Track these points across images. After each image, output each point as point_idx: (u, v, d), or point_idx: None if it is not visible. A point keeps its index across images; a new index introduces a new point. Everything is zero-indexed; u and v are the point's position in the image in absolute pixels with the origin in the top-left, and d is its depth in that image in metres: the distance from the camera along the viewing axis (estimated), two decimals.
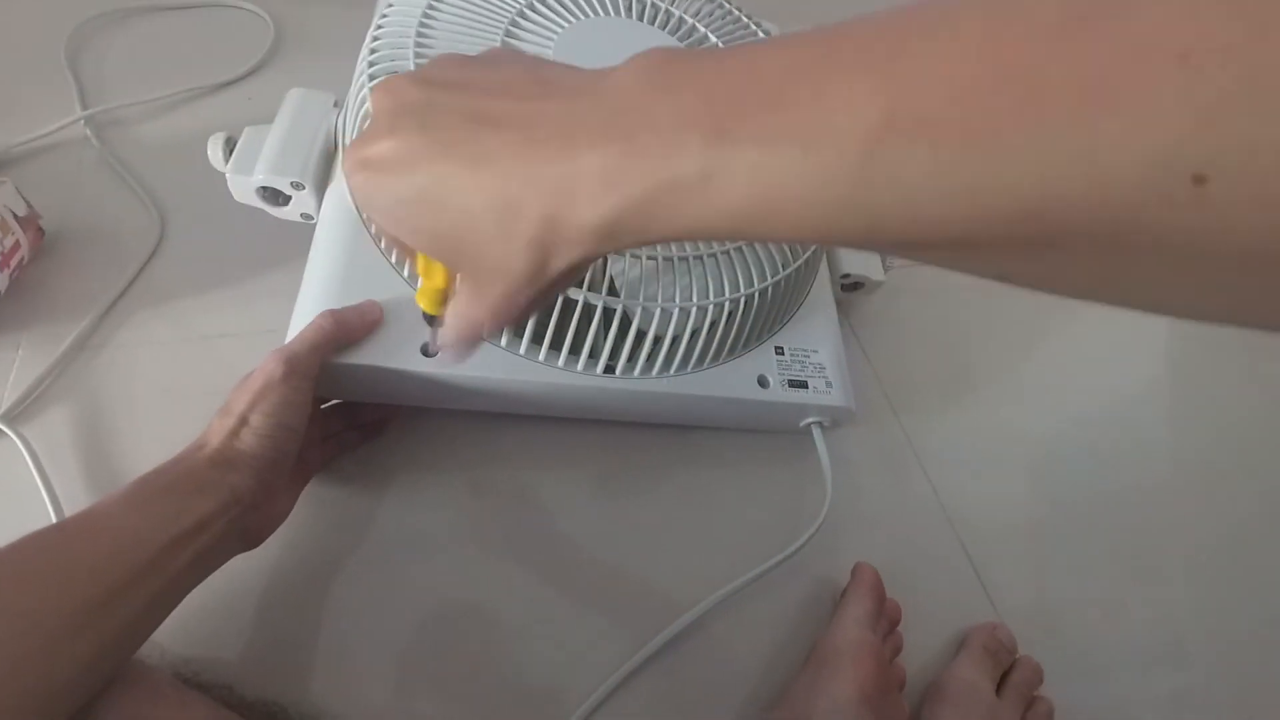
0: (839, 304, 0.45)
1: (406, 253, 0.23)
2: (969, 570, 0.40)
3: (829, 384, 0.39)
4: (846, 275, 0.46)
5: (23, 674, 0.20)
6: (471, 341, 0.22)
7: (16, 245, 0.39)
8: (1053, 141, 0.12)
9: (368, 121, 0.20)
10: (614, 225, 0.17)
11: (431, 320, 0.26)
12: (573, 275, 0.20)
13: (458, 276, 0.23)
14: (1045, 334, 0.53)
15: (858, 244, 0.16)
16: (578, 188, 0.17)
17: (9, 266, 0.39)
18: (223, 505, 0.26)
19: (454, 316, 0.22)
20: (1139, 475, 0.46)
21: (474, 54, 0.20)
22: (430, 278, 0.23)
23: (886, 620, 0.36)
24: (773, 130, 0.15)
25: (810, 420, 0.40)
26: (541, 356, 0.34)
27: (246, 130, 0.38)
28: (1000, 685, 0.35)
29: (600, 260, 0.33)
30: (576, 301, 0.32)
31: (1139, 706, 0.37)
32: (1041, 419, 0.48)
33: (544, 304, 0.21)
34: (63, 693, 0.22)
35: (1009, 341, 0.52)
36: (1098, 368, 0.51)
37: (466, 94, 0.18)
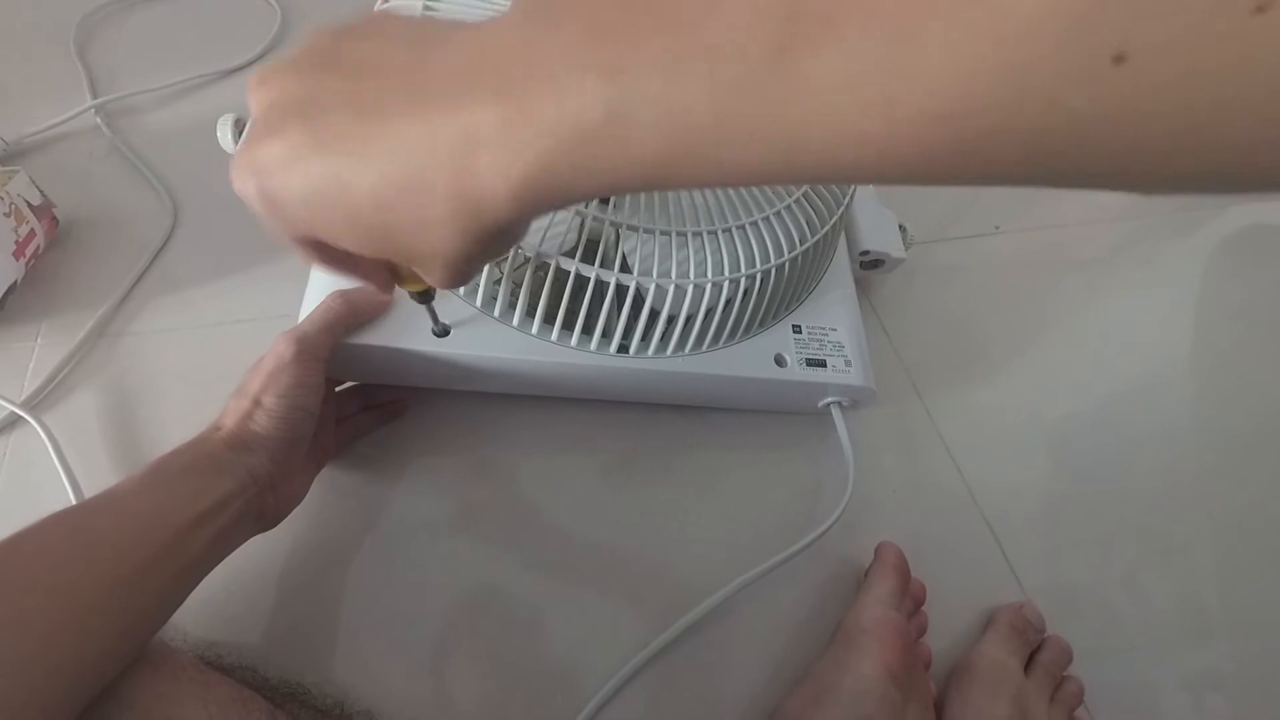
0: (858, 282, 0.44)
1: (348, 264, 0.22)
2: (995, 549, 0.39)
3: (848, 363, 0.38)
4: (865, 252, 0.45)
5: (54, 649, 0.21)
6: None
7: (32, 234, 0.39)
8: (968, 29, 0.11)
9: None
10: (526, 191, 0.15)
11: (421, 298, 0.25)
12: (512, 235, 0.18)
13: None
14: (1068, 311, 0.51)
15: (782, 177, 0.15)
16: (478, 156, 0.15)
17: (25, 255, 0.39)
18: (240, 485, 0.26)
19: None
20: (1165, 453, 0.45)
21: (352, 24, 0.18)
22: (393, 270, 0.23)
23: (911, 599, 0.35)
24: (672, 55, 0.13)
25: (830, 400, 0.39)
26: (554, 336, 0.33)
27: None
28: (1028, 664, 0.34)
29: (613, 236, 0.32)
30: (588, 280, 0.31)
31: (1167, 685, 0.36)
32: (1065, 397, 0.47)
33: (490, 261, 0.20)
34: (91, 668, 0.22)
35: (1031, 319, 0.50)
36: (1122, 345, 0.50)
37: (344, 76, 0.17)
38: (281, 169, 0.17)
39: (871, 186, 0.47)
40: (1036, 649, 0.35)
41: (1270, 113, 0.10)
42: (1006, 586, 0.38)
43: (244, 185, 0.18)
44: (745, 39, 0.12)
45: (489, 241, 0.17)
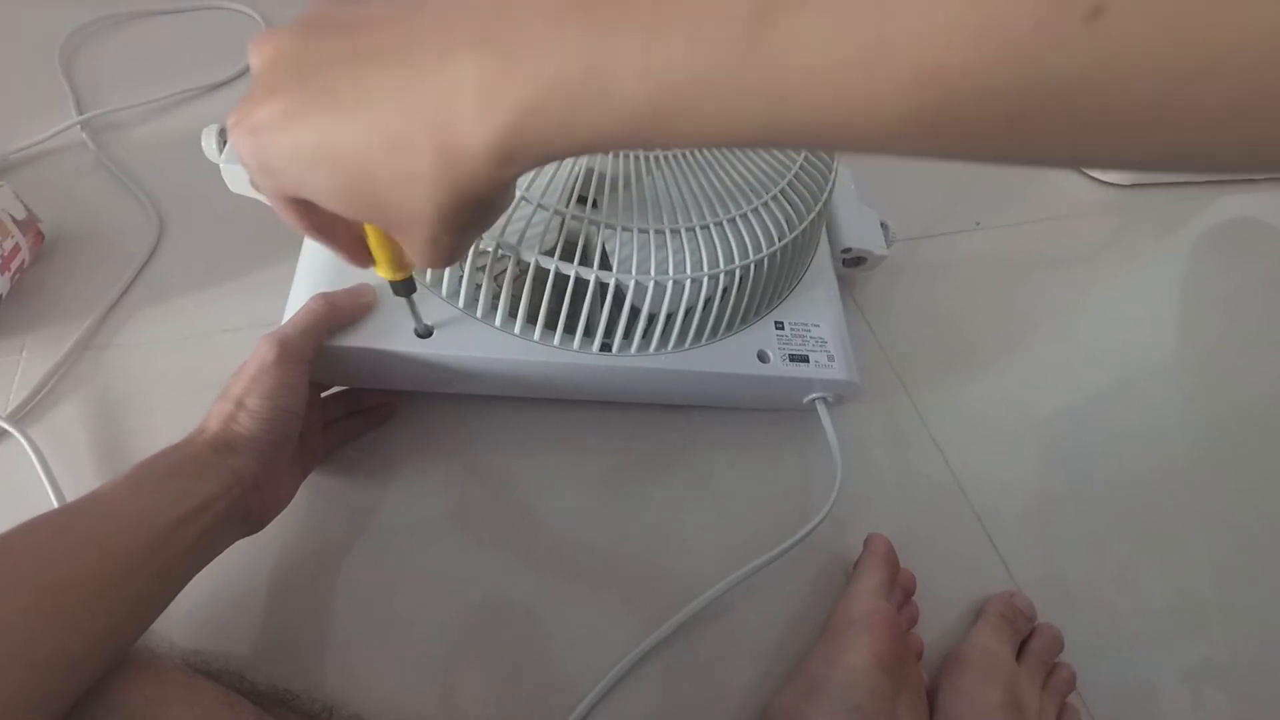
0: (842, 280, 0.45)
1: (327, 229, 0.22)
2: (985, 541, 0.40)
3: (831, 358, 0.39)
4: (848, 250, 0.46)
5: (41, 646, 0.21)
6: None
7: (16, 249, 0.39)
8: None
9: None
10: (507, 143, 0.15)
11: (401, 288, 0.25)
12: (492, 204, 0.18)
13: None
14: (1054, 306, 0.52)
15: (765, 138, 0.15)
16: (459, 108, 0.15)
17: (9, 270, 0.39)
18: (224, 487, 0.26)
19: (382, 269, 0.21)
20: (1154, 446, 0.45)
21: None
22: (376, 245, 0.23)
23: (901, 590, 0.35)
24: (653, 14, 0.13)
25: (814, 396, 0.39)
26: (537, 336, 0.34)
27: None
28: (1020, 653, 0.34)
29: (594, 234, 0.32)
30: (569, 277, 0.32)
31: (1160, 678, 0.36)
32: (1053, 391, 0.47)
33: (475, 236, 0.20)
34: (78, 667, 0.22)
35: (1017, 314, 0.51)
36: (1109, 339, 0.51)
37: (342, 31, 0.17)
38: (273, 126, 0.17)
39: (853, 185, 0.48)
40: (1028, 638, 0.35)
41: (1248, 78, 0.10)
42: (997, 578, 0.38)
43: (240, 143, 0.18)
44: (681, 17, 0.13)
45: (470, 204, 0.17)
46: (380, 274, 0.25)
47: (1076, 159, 0.13)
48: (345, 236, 0.22)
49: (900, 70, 0.12)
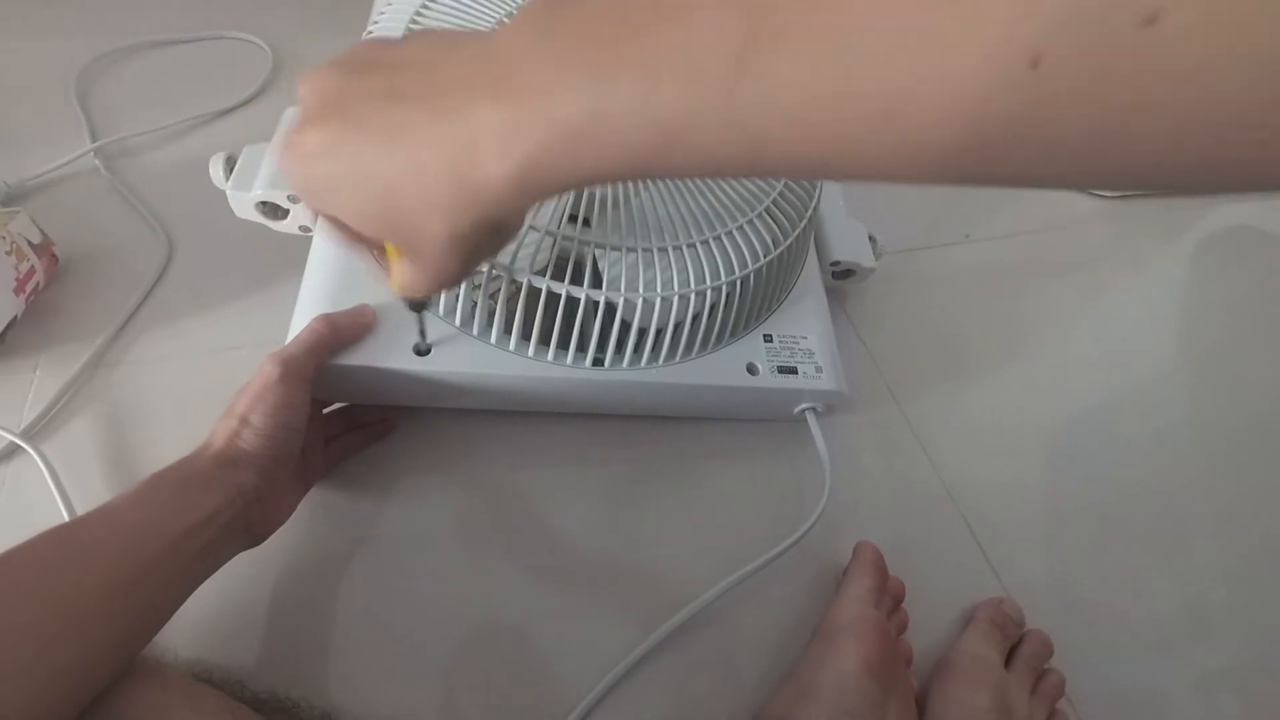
0: (831, 293, 0.46)
1: (361, 241, 0.24)
2: (974, 548, 0.40)
3: (819, 369, 0.39)
4: (836, 263, 0.47)
5: (52, 655, 0.22)
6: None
7: (32, 271, 0.41)
8: (900, 37, 0.12)
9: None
10: (521, 178, 0.17)
11: (414, 306, 0.26)
12: (500, 233, 0.20)
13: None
14: (1047, 316, 0.52)
15: (755, 169, 0.16)
16: (480, 146, 0.17)
17: (25, 291, 0.41)
18: (228, 500, 0.27)
19: (396, 285, 0.23)
20: (1155, 455, 0.45)
21: (388, 36, 0.21)
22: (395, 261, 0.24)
23: (890, 597, 0.36)
24: (649, 61, 0.15)
25: (804, 406, 0.40)
26: (531, 352, 0.35)
27: (246, 149, 0.39)
28: (1009, 659, 0.35)
29: (587, 253, 0.33)
30: (560, 295, 0.33)
31: (1171, 686, 0.36)
32: (1046, 400, 0.47)
33: (479, 263, 0.22)
34: (87, 675, 0.23)
35: (1009, 324, 0.52)
36: (1105, 348, 0.51)
37: (378, 73, 0.19)
38: (316, 154, 0.19)
39: (840, 200, 0.49)
40: (1017, 644, 0.36)
41: (1175, 117, 0.11)
42: (987, 585, 0.39)
43: (287, 168, 0.20)
44: (711, 49, 0.14)
45: (483, 231, 0.19)
46: (395, 288, 0.26)
47: (1036, 183, 0.14)
48: (372, 251, 0.25)
49: (867, 109, 0.13)
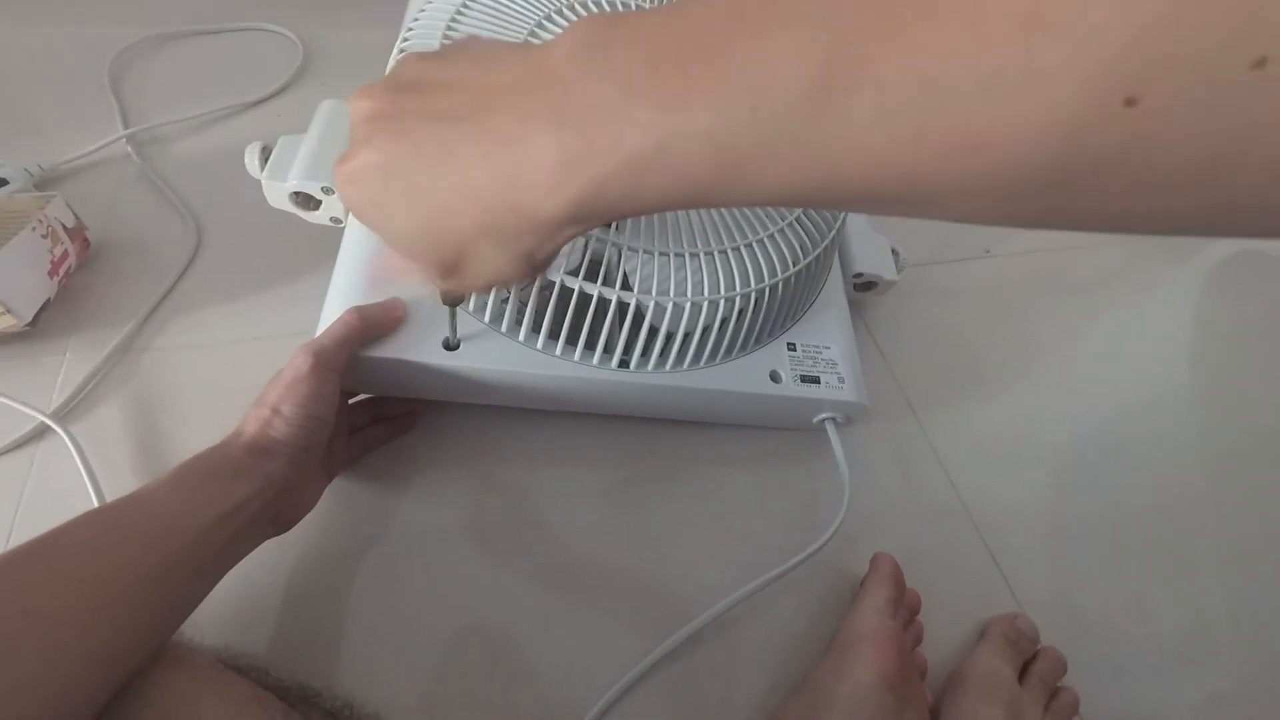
0: (853, 304, 0.46)
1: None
2: (990, 563, 0.40)
3: (841, 379, 0.40)
4: (859, 275, 0.47)
5: (87, 638, 0.22)
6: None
7: (65, 255, 0.41)
8: (994, 71, 0.12)
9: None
10: (578, 209, 0.17)
11: (448, 301, 0.27)
12: (546, 259, 0.20)
13: None
14: (1063, 333, 0.53)
15: (818, 201, 0.16)
16: (537, 177, 0.17)
17: (58, 274, 0.41)
18: (258, 489, 0.28)
19: (435, 294, 0.23)
20: (1167, 476, 0.46)
21: (437, 49, 0.21)
22: None
23: (906, 609, 0.36)
24: (718, 91, 0.14)
25: (824, 416, 0.40)
26: (558, 352, 0.35)
27: (281, 139, 0.40)
28: (1023, 674, 0.35)
29: (616, 256, 0.34)
30: (591, 296, 0.33)
31: (1172, 708, 0.36)
32: (1061, 417, 0.47)
33: (523, 280, 0.22)
34: (120, 659, 0.23)
35: (1026, 341, 0.52)
36: (1118, 368, 0.51)
37: (427, 93, 0.19)
38: (367, 176, 0.19)
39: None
40: (1031, 660, 0.36)
41: (1275, 159, 0.11)
42: (1001, 600, 0.39)
43: (340, 189, 0.20)
44: (788, 78, 0.14)
45: (528, 258, 0.19)
46: (436, 283, 0.26)
47: (1111, 227, 0.14)
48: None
49: (951, 144, 0.13)
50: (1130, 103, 0.11)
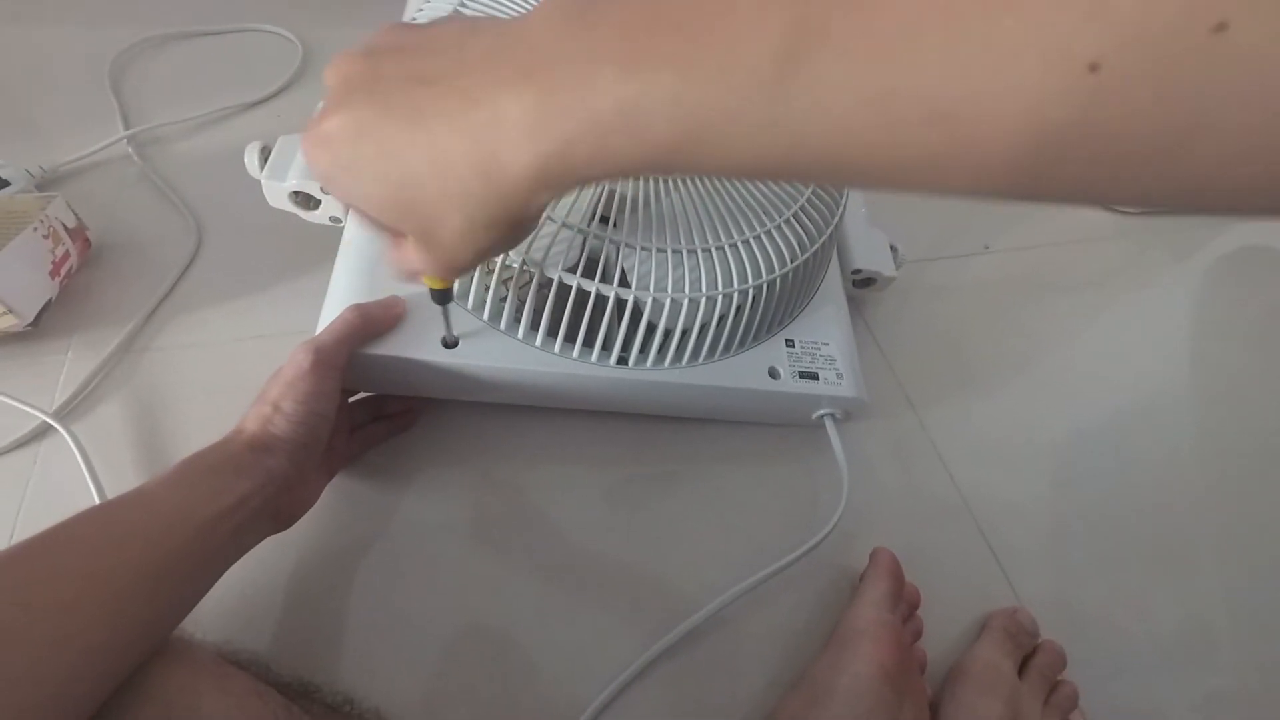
0: (852, 301, 0.46)
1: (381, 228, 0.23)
2: (990, 558, 0.40)
3: (840, 375, 0.40)
4: (858, 271, 0.47)
5: (90, 631, 0.22)
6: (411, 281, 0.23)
7: (66, 255, 0.42)
8: (955, 40, 0.12)
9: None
10: (543, 170, 0.17)
11: (439, 297, 0.27)
12: (517, 227, 0.20)
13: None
14: (1063, 329, 0.53)
15: (785, 171, 0.16)
16: (502, 136, 0.17)
17: (60, 274, 0.41)
18: (259, 485, 0.28)
19: (397, 266, 0.22)
20: (1168, 474, 0.45)
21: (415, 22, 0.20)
22: None
23: (906, 603, 0.36)
24: (685, 56, 0.14)
25: (823, 412, 0.40)
26: (557, 349, 0.35)
27: (281, 139, 0.40)
28: (1023, 668, 0.35)
29: (614, 253, 0.34)
30: (590, 293, 0.33)
31: (1171, 705, 0.36)
32: (1062, 414, 0.47)
33: (492, 255, 0.21)
34: (121, 653, 0.23)
35: (1026, 337, 0.52)
36: (1119, 364, 0.51)
37: (404, 56, 0.19)
38: (339, 139, 0.19)
39: (863, 209, 0.49)
40: (1031, 654, 0.36)
41: (1238, 129, 0.11)
42: (1001, 595, 0.39)
43: (308, 152, 0.20)
44: (754, 44, 0.14)
45: (500, 222, 0.19)
46: (425, 282, 0.26)
47: (1075, 199, 0.14)
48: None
49: (914, 114, 0.13)
50: (1093, 69, 0.11)
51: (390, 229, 0.22)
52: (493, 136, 0.17)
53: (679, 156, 0.16)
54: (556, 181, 0.17)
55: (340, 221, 0.40)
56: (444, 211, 0.19)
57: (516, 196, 0.18)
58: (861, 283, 0.48)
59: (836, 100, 0.13)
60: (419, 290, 0.34)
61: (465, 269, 0.22)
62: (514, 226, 0.20)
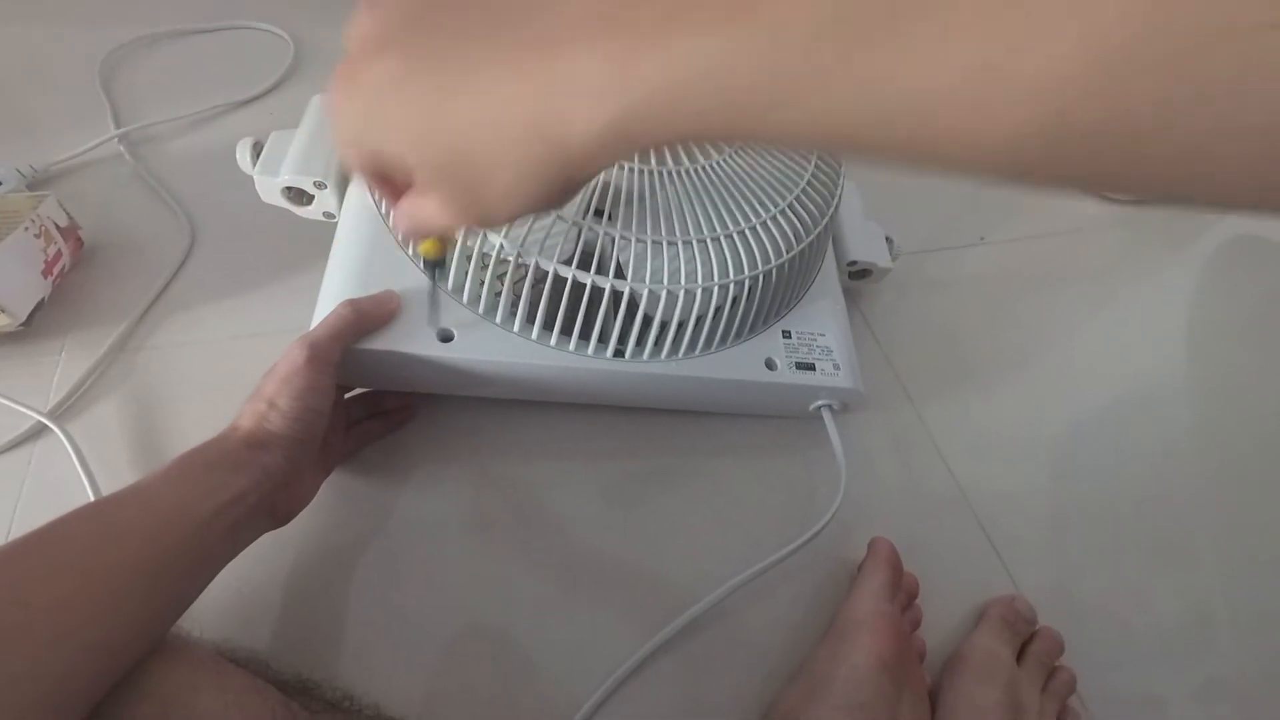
0: (848, 292, 0.46)
1: (391, 193, 0.21)
2: (989, 548, 0.40)
3: (836, 366, 0.40)
4: (853, 262, 0.47)
5: (87, 629, 0.22)
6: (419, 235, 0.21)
7: (59, 254, 0.41)
8: (998, 10, 0.12)
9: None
10: (613, 134, 0.15)
11: (430, 265, 0.26)
12: (570, 189, 0.18)
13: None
14: (1060, 320, 0.53)
15: (862, 147, 0.15)
16: (572, 99, 0.15)
17: (52, 274, 0.41)
18: (255, 482, 0.28)
19: (410, 220, 0.21)
20: (1165, 465, 0.45)
21: None
22: None
23: (904, 593, 0.36)
24: (777, 10, 0.13)
25: (820, 403, 0.40)
26: (553, 341, 0.35)
27: (273, 135, 0.40)
28: (1021, 655, 0.35)
29: (609, 244, 0.34)
30: (585, 285, 0.33)
31: (1171, 695, 0.36)
32: (1059, 404, 0.47)
33: (530, 214, 0.20)
34: (119, 650, 0.23)
35: (1023, 328, 0.52)
36: (1116, 355, 0.51)
37: (448, 7, 0.17)
38: (381, 93, 0.17)
39: (858, 200, 0.49)
40: (1029, 640, 0.36)
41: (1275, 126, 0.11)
42: (1001, 586, 0.39)
43: (342, 103, 0.18)
44: (803, 18, 0.13)
45: (556, 187, 0.18)
46: (421, 250, 0.25)
47: (1108, 180, 0.13)
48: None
49: (1014, 94, 0.12)
50: (1225, 36, 0.10)
51: (403, 184, 0.20)
52: (559, 99, 0.15)
53: (751, 121, 0.15)
54: (624, 145, 0.16)
55: (333, 217, 0.40)
56: (494, 170, 0.17)
57: (580, 159, 0.16)
58: (857, 274, 0.48)
59: (933, 75, 0.13)
60: (413, 285, 0.34)
61: (496, 226, 0.20)
62: (566, 188, 0.18)
